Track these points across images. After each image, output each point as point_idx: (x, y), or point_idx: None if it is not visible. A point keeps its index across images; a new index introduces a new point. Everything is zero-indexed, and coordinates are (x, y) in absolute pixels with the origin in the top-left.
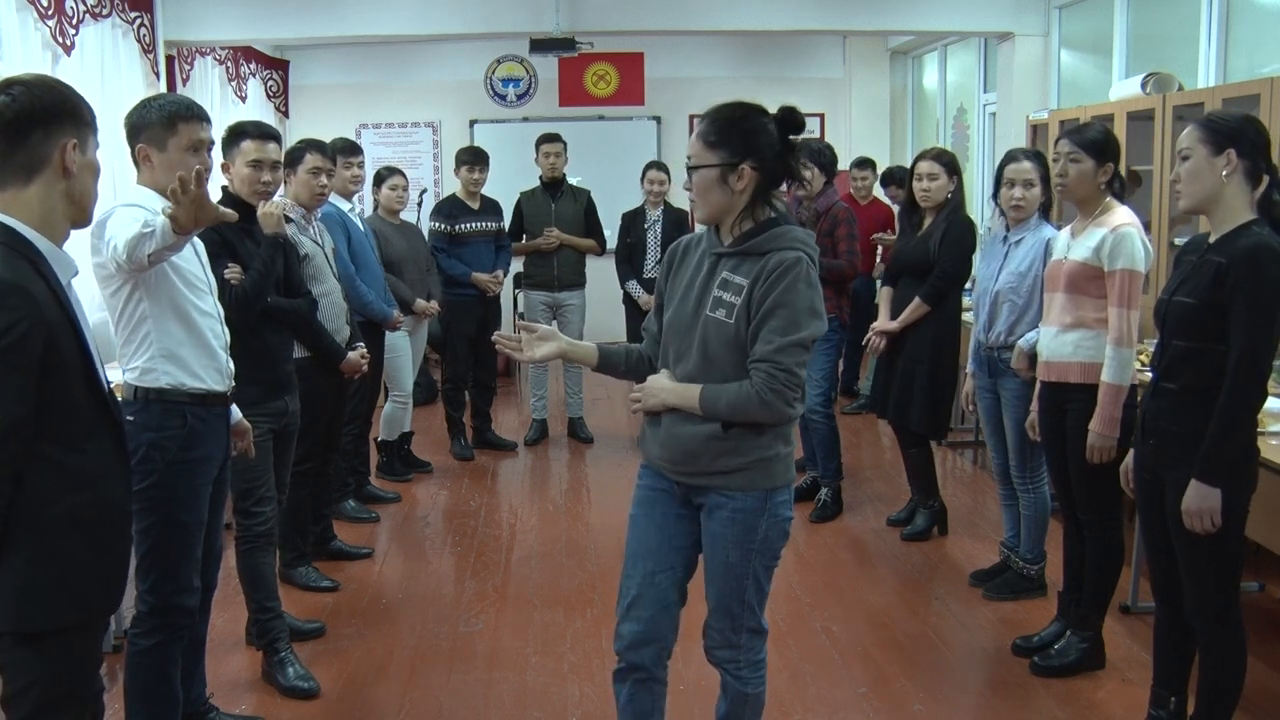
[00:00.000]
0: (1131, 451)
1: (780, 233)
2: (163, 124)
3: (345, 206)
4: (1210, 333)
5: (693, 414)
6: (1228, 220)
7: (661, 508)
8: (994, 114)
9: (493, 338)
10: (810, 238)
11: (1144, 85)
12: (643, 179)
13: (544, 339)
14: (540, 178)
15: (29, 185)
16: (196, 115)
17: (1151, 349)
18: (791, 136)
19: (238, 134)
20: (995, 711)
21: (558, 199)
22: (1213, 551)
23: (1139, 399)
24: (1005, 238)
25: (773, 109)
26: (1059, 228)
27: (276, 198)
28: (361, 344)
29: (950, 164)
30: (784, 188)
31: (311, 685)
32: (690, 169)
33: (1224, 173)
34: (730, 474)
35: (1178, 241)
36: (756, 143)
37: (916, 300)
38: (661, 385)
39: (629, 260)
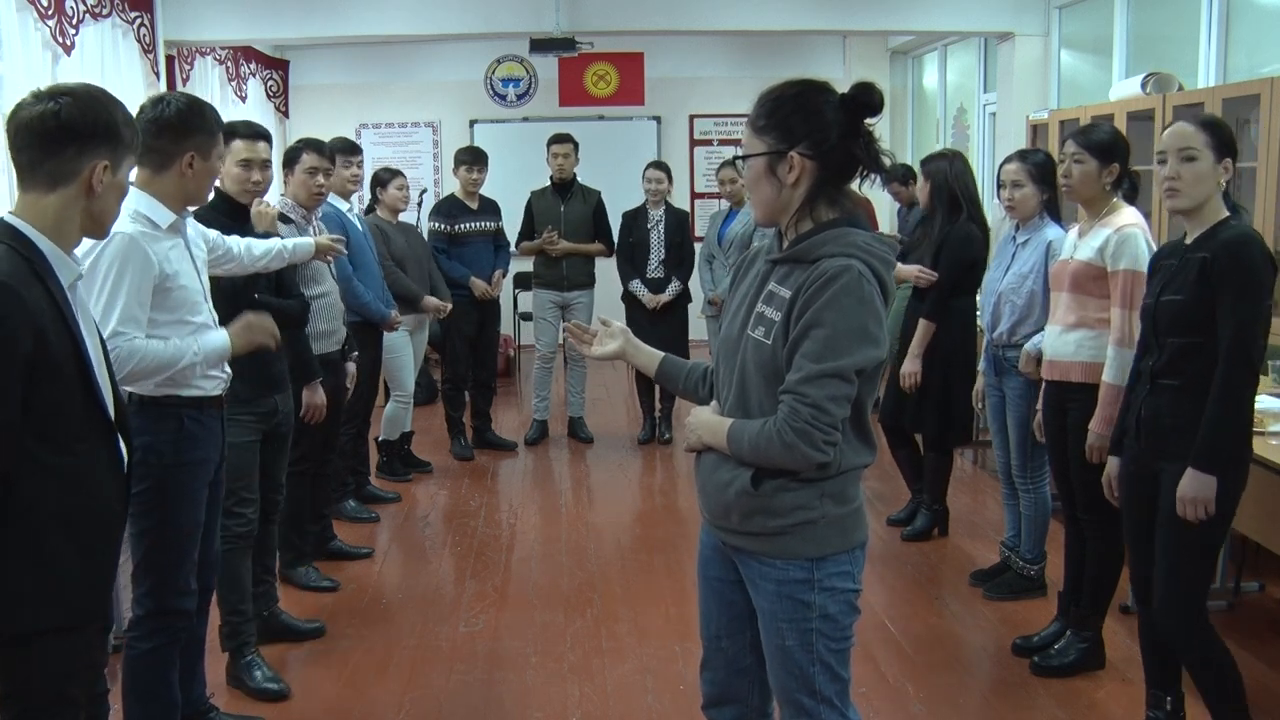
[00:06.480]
0: (1115, 460)
1: (837, 235)
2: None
3: (343, 207)
4: (1204, 326)
5: (725, 457)
6: (1208, 219)
7: (715, 570)
8: (994, 114)
9: (565, 327)
10: (880, 244)
11: (1144, 85)
12: (643, 178)
13: (612, 336)
14: (550, 178)
15: (50, 194)
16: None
17: None
18: (867, 120)
19: (228, 134)
20: (995, 711)
21: (567, 200)
22: (1197, 547)
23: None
24: (1014, 238)
25: None
26: (1066, 228)
27: (274, 198)
28: (353, 365)
29: (930, 171)
30: (872, 182)
31: (281, 687)
32: (740, 159)
33: (1223, 180)
34: (765, 537)
35: None
36: (810, 126)
37: (922, 323)
38: (698, 419)
39: (631, 260)
